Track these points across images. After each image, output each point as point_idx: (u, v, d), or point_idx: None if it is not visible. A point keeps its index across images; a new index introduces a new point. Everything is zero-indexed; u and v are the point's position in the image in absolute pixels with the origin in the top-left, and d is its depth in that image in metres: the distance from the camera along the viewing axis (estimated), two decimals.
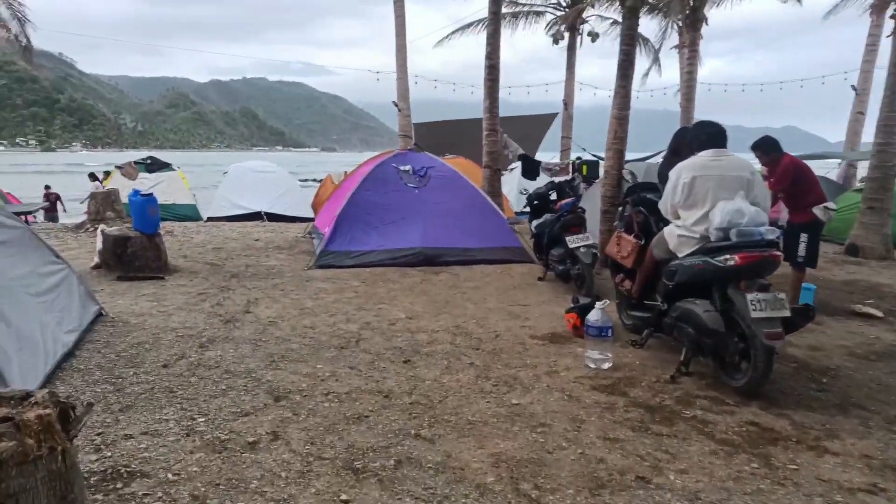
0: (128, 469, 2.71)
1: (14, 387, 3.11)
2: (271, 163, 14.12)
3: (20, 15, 13.22)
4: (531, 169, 11.76)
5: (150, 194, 6.67)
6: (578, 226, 6.41)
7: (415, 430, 3.19)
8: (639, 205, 4.84)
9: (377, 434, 3.14)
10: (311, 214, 13.06)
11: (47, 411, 2.02)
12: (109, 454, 2.84)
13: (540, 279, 7.06)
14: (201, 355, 4.27)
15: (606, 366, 4.23)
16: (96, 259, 6.81)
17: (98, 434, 3.03)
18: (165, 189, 12.86)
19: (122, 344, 4.44)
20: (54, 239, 9.76)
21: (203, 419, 3.25)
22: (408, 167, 8.60)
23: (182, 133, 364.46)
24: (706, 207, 3.97)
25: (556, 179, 7.51)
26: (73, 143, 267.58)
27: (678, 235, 4.13)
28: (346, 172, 13.95)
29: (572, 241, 6.24)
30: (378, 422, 3.29)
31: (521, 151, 11.83)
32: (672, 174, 4.16)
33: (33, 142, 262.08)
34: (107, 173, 15.92)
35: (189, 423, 3.19)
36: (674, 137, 5.74)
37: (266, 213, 12.54)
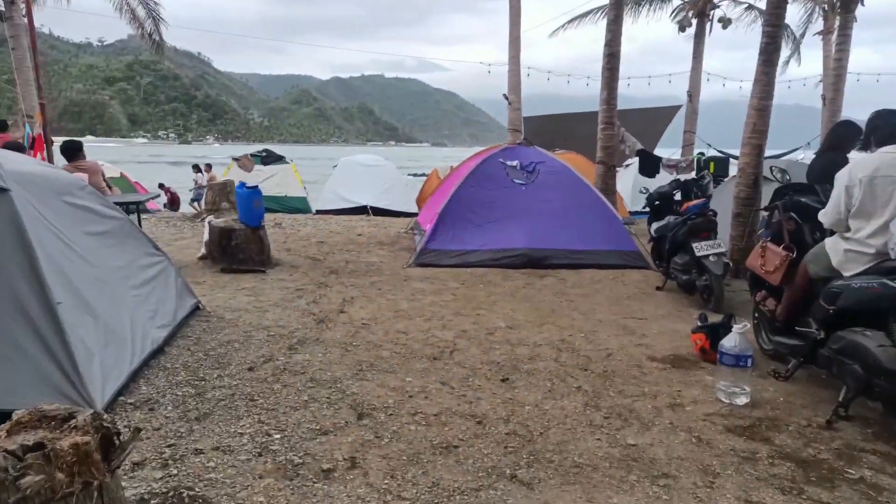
0: (191, 493, 2.46)
1: (93, 388, 3.00)
2: (379, 156, 14.13)
3: (154, 14, 14.09)
4: (650, 166, 10.83)
5: (256, 187, 6.67)
6: (708, 231, 5.62)
7: (510, 470, 2.73)
8: (790, 209, 4.05)
9: (467, 470, 2.71)
10: (415, 209, 12.91)
11: (86, 439, 1.76)
12: (175, 472, 2.61)
13: (658, 288, 6.33)
14: (289, 358, 4.05)
15: (743, 401, 3.53)
16: (203, 250, 6.91)
17: (169, 446, 2.83)
18: (278, 181, 13.23)
19: (213, 342, 4.32)
20: (172, 227, 10.21)
21: (279, 436, 2.97)
22: (515, 162, 8.10)
23: (304, 128, 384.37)
24: (886, 216, 3.17)
25: (682, 177, 6.70)
26: (207, 137, 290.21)
27: (845, 250, 3.35)
28: (452, 167, 13.68)
29: (700, 248, 5.48)
30: (469, 454, 2.86)
31: (639, 146, 10.94)
32: (841, 175, 3.37)
33: (172, 135, 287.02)
34: (208, 165, 16.56)
35: (264, 440, 2.92)
36: (833, 130, 4.84)
37: (371, 208, 12.52)
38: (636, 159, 12.58)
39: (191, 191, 15.18)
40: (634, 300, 5.92)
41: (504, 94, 15.71)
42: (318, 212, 12.72)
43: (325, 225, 10.81)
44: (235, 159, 13.51)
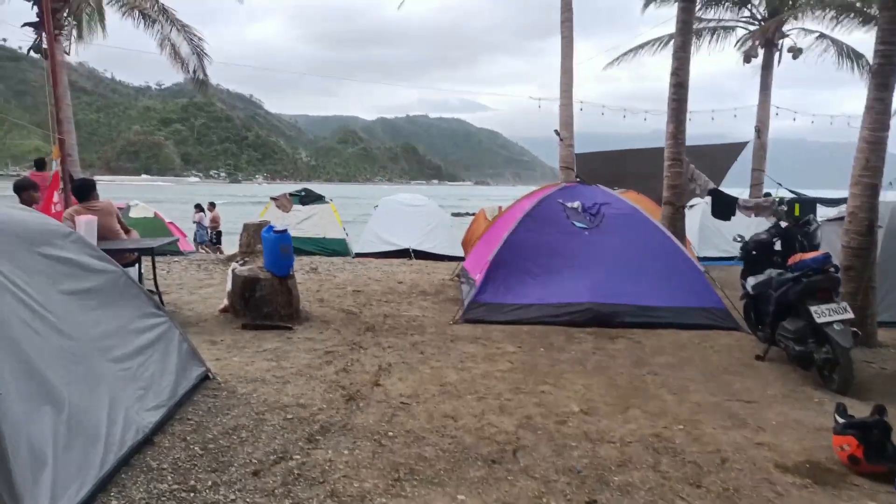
0: None
1: None
2: (422, 195, 13.37)
3: (199, 50, 13.86)
4: (724, 207, 9.75)
5: (284, 231, 5.91)
6: (830, 290, 4.55)
7: None
8: None
9: None
10: (461, 252, 12.04)
11: None
12: None
13: (759, 358, 5.22)
14: (307, 456, 3.15)
15: None
16: (225, 301, 6.15)
17: None
18: (317, 222, 12.61)
19: (216, 428, 3.46)
20: (202, 271, 9.58)
21: None
22: (576, 203, 7.17)
23: (349, 167, 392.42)
24: None
25: (782, 223, 5.64)
26: (256, 176, 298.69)
27: None
28: (500, 208, 12.82)
29: (821, 314, 4.40)
30: None
31: (711, 185, 9.88)
32: None
33: (223, 174, 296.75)
34: (212, 204, 15.80)
35: None
36: None
37: (414, 251, 11.71)
38: (704, 200, 11.52)
39: (196, 238, 14.58)
40: (734, 374, 4.83)
41: (555, 130, 14.88)
42: (358, 255, 11.97)
43: (364, 270, 10.01)
44: (273, 199, 12.96)
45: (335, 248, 12.35)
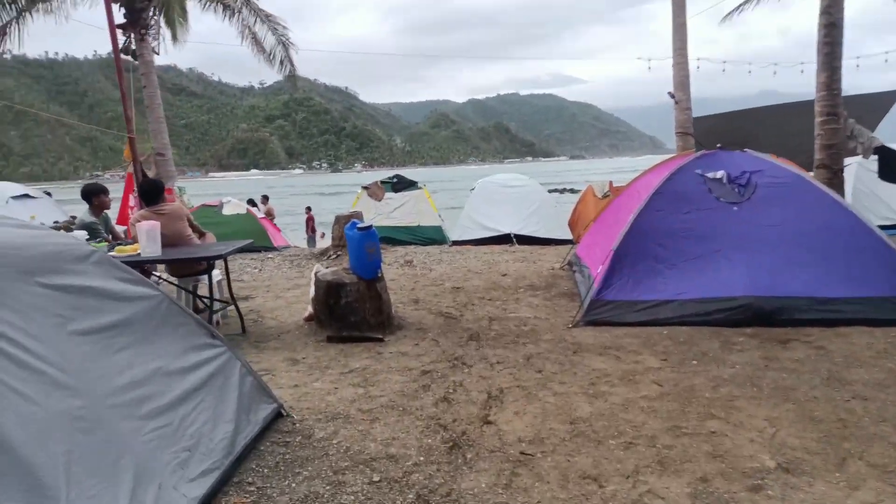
0: None
1: None
2: (521, 175, 12.21)
3: (283, 39, 13.43)
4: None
5: (370, 228, 5.05)
6: None
7: None
8: None
9: None
10: (568, 235, 10.83)
11: None
12: None
13: None
14: None
15: None
16: (309, 308, 5.42)
17: None
18: (410, 209, 11.82)
19: (284, 498, 2.64)
20: (294, 269, 9.05)
21: None
22: (720, 174, 5.81)
23: (443, 150, 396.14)
24: None
25: None
26: (355, 164, 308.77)
27: None
28: (610, 183, 11.44)
29: None
30: None
31: (878, 141, 8.06)
32: None
33: (325, 164, 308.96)
34: (265, 197, 15.24)
35: None
36: None
37: (516, 236, 10.62)
38: (853, 160, 9.66)
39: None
40: None
41: (669, 93, 13.23)
42: (455, 243, 11.05)
43: (463, 261, 9.09)
44: (365, 187, 12.30)
45: (431, 237, 11.51)
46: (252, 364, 4.32)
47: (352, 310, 5.01)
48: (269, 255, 10.45)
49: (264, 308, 6.21)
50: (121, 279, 2.78)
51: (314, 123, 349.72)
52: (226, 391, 3.04)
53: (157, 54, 12.19)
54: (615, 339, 4.80)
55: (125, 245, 4.65)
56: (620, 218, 6.16)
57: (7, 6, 10.66)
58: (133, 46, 11.50)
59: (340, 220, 10.28)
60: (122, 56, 11.63)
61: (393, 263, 9.05)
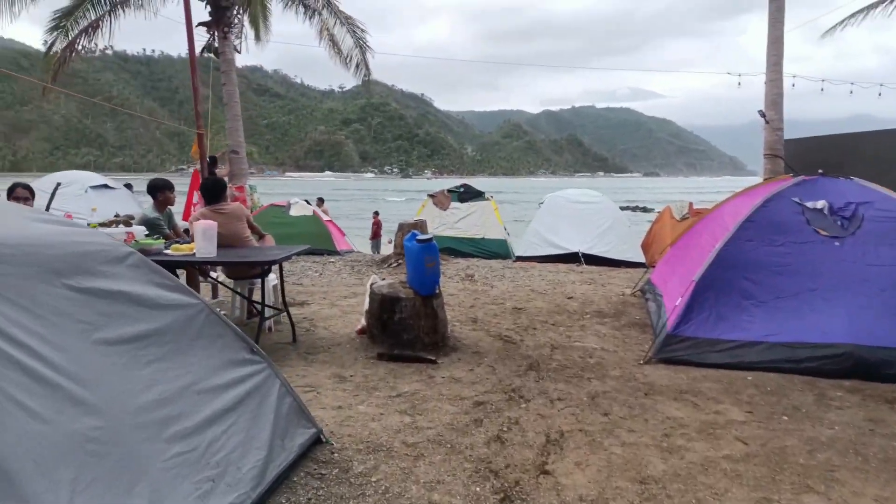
0: None
1: None
2: (593, 191, 11.67)
3: (362, 42, 13.46)
4: None
5: (430, 240, 4.77)
6: None
7: None
8: None
9: None
10: (640, 258, 10.23)
11: None
12: None
13: None
14: None
15: None
16: (362, 321, 5.19)
17: None
18: (476, 221, 11.51)
19: None
20: (354, 275, 8.91)
21: None
22: (821, 203, 5.21)
23: (513, 161, 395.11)
24: None
25: None
26: (425, 171, 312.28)
27: None
28: (691, 204, 10.77)
29: None
30: None
31: None
32: None
33: (396, 169, 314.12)
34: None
35: None
36: None
37: (584, 255, 10.12)
38: None
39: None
40: None
41: (760, 111, 12.40)
42: (519, 258, 10.65)
43: (526, 279, 8.69)
44: (431, 196, 12.09)
45: (495, 250, 11.16)
46: (298, 378, 4.12)
47: (405, 327, 4.74)
48: (332, 260, 10.39)
49: (318, 316, 6.04)
50: (158, 284, 2.59)
51: (388, 128, 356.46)
52: (261, 413, 2.81)
53: (239, 52, 12.44)
54: (693, 381, 4.31)
55: (182, 244, 4.55)
56: (703, 245, 5.64)
57: (101, 1, 11.11)
58: (216, 44, 11.77)
59: (404, 228, 10.10)
60: (206, 53, 11.95)
61: (453, 277, 8.76)
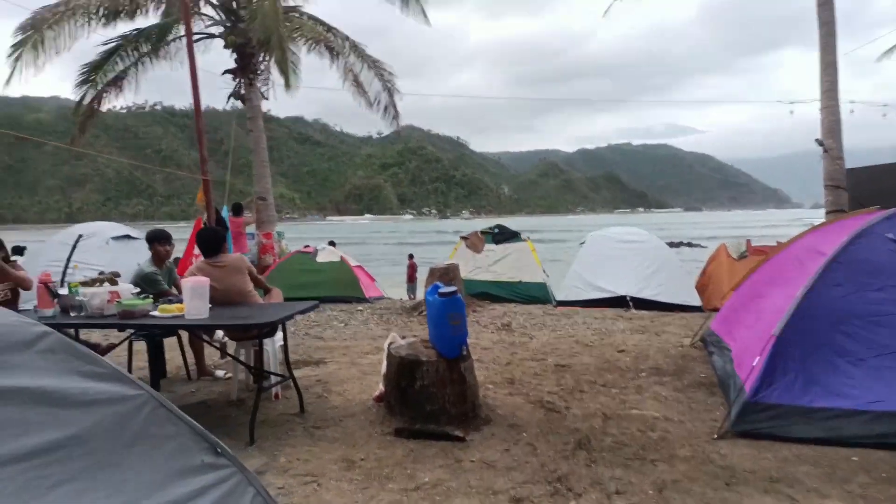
0: None
1: None
2: (638, 229, 10.82)
3: (389, 86, 13.17)
4: None
5: (454, 293, 4.08)
6: None
7: None
8: None
9: None
10: (695, 300, 9.30)
11: None
12: None
13: None
14: None
15: None
16: (381, 386, 4.50)
17: None
18: (512, 264, 10.76)
19: None
20: (383, 325, 8.27)
21: None
22: None
23: (551, 199, 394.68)
24: None
25: None
26: (463, 212, 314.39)
27: None
28: (748, 242, 9.86)
29: None
30: None
31: None
32: None
33: (434, 211, 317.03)
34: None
35: None
36: None
37: (632, 298, 9.25)
38: None
39: None
40: None
41: (817, 140, 11.51)
42: (560, 303, 9.82)
43: (569, 327, 7.87)
44: (464, 238, 11.43)
45: (533, 295, 10.36)
46: (299, 464, 3.44)
47: (428, 396, 4.03)
48: (359, 308, 9.78)
49: (334, 378, 5.37)
50: (82, 374, 1.96)
51: (426, 171, 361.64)
52: None
53: (266, 99, 12.25)
54: (784, 464, 3.45)
55: (170, 304, 3.98)
56: (778, 292, 4.81)
57: (129, 53, 11.07)
58: (242, 91, 11.58)
59: (435, 273, 9.46)
60: (232, 101, 11.75)
61: (489, 326, 8.02)
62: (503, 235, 11.24)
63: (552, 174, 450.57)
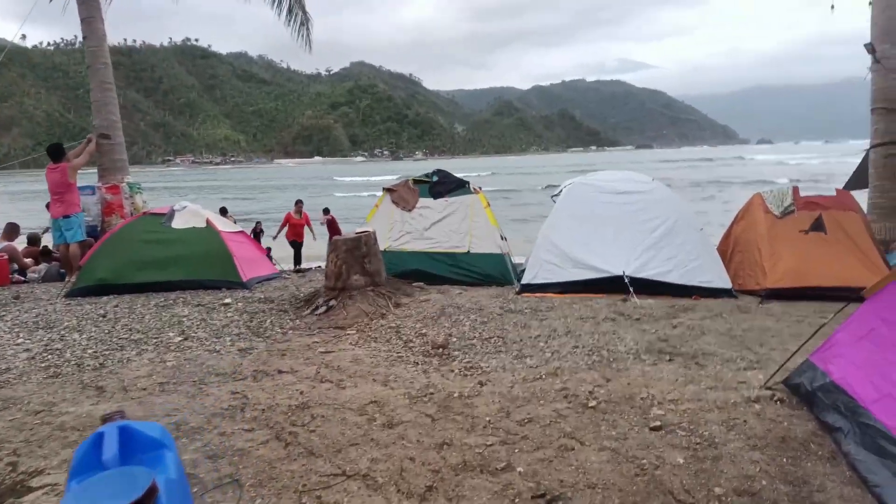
0: None
1: None
2: (638, 174, 7.51)
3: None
4: None
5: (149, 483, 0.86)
6: None
7: None
8: None
9: None
10: (723, 280, 6.31)
11: None
12: None
13: None
14: None
15: None
16: None
17: None
18: (455, 226, 7.40)
19: None
20: (242, 339, 5.01)
21: None
22: None
23: (504, 139, 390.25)
24: None
25: None
26: (416, 152, 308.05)
27: None
28: (795, 190, 6.92)
29: None
30: None
31: None
32: None
33: (386, 152, 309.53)
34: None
35: None
36: None
37: (631, 279, 6.24)
38: None
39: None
40: None
41: (866, 45, 8.57)
42: (526, 288, 6.71)
43: (546, 346, 4.77)
44: (388, 189, 8.07)
45: (487, 272, 7.23)
46: None
47: None
48: (227, 300, 6.49)
49: None
50: None
51: (377, 111, 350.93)
52: None
53: None
54: None
55: None
56: None
57: None
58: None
59: (339, 248, 6.23)
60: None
61: (412, 343, 4.84)
62: (444, 185, 7.87)
63: (507, 112, 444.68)
